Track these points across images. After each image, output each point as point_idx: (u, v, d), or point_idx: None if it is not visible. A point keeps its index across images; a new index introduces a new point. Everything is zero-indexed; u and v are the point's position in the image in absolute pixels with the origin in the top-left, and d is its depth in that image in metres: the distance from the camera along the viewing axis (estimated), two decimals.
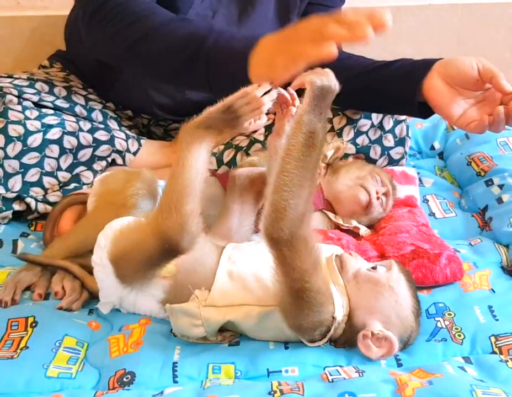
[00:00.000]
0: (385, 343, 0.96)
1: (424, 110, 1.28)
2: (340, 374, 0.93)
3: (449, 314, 1.06)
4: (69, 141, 1.35)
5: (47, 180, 1.34)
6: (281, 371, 0.96)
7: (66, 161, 1.36)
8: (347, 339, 0.99)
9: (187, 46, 1.16)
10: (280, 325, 0.98)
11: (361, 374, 0.92)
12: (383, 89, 1.31)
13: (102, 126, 1.42)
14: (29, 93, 1.36)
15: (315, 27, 1.00)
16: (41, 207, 1.33)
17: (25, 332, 1.03)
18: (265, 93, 1.04)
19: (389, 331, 0.96)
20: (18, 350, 0.99)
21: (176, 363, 0.97)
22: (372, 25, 0.94)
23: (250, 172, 1.23)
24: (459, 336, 1.02)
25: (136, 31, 1.22)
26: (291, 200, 0.89)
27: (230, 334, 1.03)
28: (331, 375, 0.93)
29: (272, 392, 0.88)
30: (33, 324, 1.04)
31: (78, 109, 1.43)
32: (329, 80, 0.94)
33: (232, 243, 1.08)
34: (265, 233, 0.91)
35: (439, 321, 1.05)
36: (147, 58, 1.23)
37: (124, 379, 0.94)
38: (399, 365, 0.98)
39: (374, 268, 1.01)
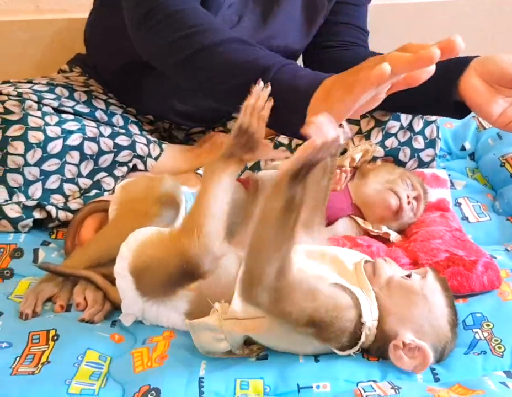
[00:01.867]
0: (419, 354, 0.92)
1: (460, 110, 1.23)
2: (375, 390, 0.88)
3: (488, 325, 1.01)
4: (89, 147, 1.32)
5: (67, 187, 1.31)
6: (312, 386, 0.92)
7: (87, 168, 1.33)
8: (379, 347, 0.94)
9: (246, 71, 1.10)
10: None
11: (397, 390, 0.87)
12: (416, 89, 1.26)
13: (123, 131, 1.40)
14: (49, 98, 1.34)
15: (380, 57, 0.93)
16: (62, 215, 1.30)
17: (46, 346, 1.00)
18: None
19: (422, 341, 0.92)
20: (39, 365, 0.95)
21: (203, 378, 0.93)
22: (439, 47, 0.87)
23: (274, 176, 1.19)
24: (499, 348, 0.97)
25: (195, 44, 1.15)
26: (266, 266, 0.85)
27: (257, 347, 0.99)
28: (365, 391, 0.88)
29: None
30: (55, 337, 1.01)
31: (98, 114, 1.40)
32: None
33: None
34: (245, 299, 0.90)
35: (477, 332, 1.00)
36: (201, 72, 1.16)
37: (149, 396, 0.90)
38: (436, 379, 0.93)
39: (408, 276, 0.97)
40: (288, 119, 1.04)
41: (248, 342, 0.97)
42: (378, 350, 0.95)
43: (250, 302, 0.89)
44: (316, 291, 0.90)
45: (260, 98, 1.03)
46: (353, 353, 0.93)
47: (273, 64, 1.08)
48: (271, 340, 0.96)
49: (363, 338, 0.92)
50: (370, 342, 0.94)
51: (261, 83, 1.03)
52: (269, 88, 1.03)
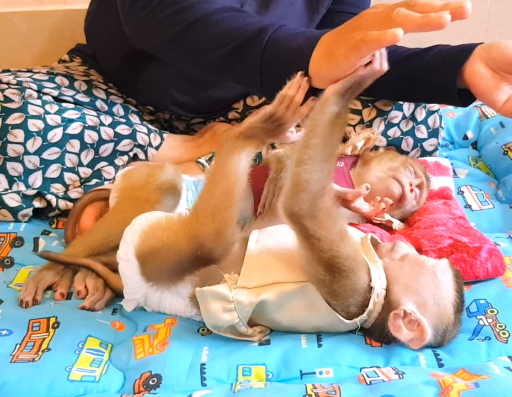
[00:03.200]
0: (418, 328, 0.91)
1: (464, 97, 1.22)
2: (379, 376, 0.87)
3: (492, 311, 1.00)
4: (90, 136, 1.31)
5: (68, 176, 1.31)
6: (314, 372, 0.91)
7: (87, 157, 1.32)
8: (382, 321, 0.93)
9: (242, 35, 1.10)
10: (314, 301, 0.92)
11: (401, 375, 0.86)
12: (420, 77, 1.25)
13: (123, 120, 1.39)
14: (49, 87, 1.33)
15: (382, 12, 0.91)
16: (62, 204, 1.29)
17: (47, 334, 0.99)
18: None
19: (423, 316, 0.91)
20: (40, 353, 0.95)
21: (204, 364, 0.92)
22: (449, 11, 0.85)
23: None
24: (504, 334, 0.96)
25: (186, 18, 1.15)
26: (313, 173, 0.89)
27: (260, 330, 0.98)
28: (368, 376, 0.88)
29: (307, 396, 0.83)
30: (55, 325, 1.01)
31: (98, 103, 1.39)
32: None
33: (257, 229, 1.04)
34: (284, 207, 0.90)
35: (481, 319, 0.99)
36: (195, 46, 1.16)
37: (150, 382, 0.90)
38: (440, 365, 0.92)
39: None
40: (283, 78, 1.01)
41: (252, 323, 0.97)
42: (381, 324, 0.93)
43: (290, 210, 0.89)
44: (346, 234, 0.91)
45: (299, 91, 0.98)
46: (357, 332, 0.93)
47: (271, 23, 1.09)
48: (276, 309, 0.95)
49: (371, 305, 0.91)
50: (377, 313, 0.93)
51: (299, 73, 0.99)
52: (308, 82, 0.99)
